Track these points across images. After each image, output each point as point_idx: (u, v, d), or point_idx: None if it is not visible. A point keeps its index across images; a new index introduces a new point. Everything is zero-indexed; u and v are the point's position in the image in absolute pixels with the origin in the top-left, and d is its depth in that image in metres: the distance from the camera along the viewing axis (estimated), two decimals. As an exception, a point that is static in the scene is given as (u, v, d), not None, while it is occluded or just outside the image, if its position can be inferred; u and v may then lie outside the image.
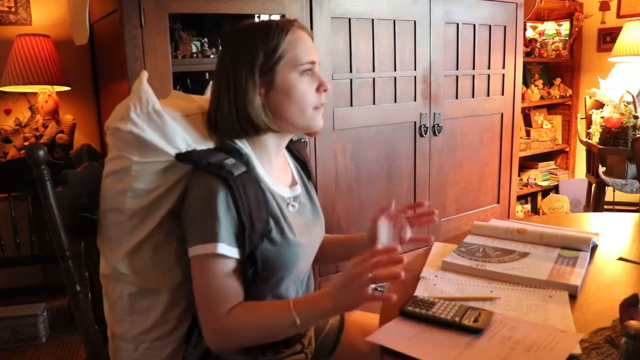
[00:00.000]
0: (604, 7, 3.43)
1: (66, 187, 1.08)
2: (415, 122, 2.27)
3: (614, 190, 3.18)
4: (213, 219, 0.95)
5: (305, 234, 1.10)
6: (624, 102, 3.05)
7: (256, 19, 1.88)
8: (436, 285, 1.11)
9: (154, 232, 1.01)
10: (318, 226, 1.18)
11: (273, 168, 1.10)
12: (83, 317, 1.09)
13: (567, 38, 3.82)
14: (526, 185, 3.77)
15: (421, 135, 2.29)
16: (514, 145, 2.68)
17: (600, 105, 3.20)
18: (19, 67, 2.19)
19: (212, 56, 1.86)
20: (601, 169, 3.17)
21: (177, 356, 1.07)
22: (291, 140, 1.20)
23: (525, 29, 3.56)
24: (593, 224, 1.54)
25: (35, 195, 1.21)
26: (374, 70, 2.12)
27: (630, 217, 1.58)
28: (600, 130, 3.10)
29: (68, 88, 2.35)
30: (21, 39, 2.21)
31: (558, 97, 3.83)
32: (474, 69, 2.45)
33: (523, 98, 3.51)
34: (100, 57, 2.31)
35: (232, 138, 1.04)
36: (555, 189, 3.89)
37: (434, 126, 2.32)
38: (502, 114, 2.61)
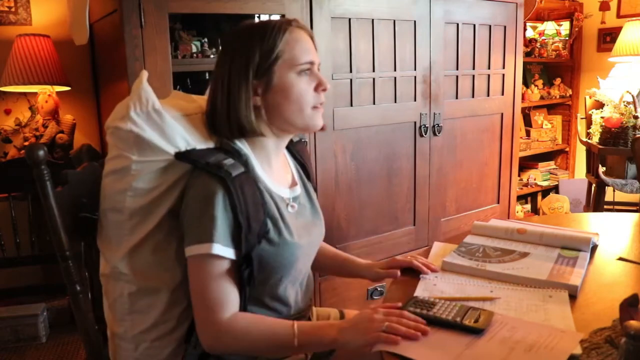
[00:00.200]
0: (604, 7, 3.43)
1: (66, 187, 1.08)
2: (415, 122, 2.27)
3: (614, 190, 3.18)
4: (210, 220, 0.95)
5: (304, 235, 1.10)
6: (624, 102, 3.05)
7: (256, 19, 1.88)
8: (436, 285, 1.11)
9: (154, 232, 1.01)
10: (318, 227, 1.18)
11: (272, 168, 1.10)
12: (83, 317, 1.09)
13: (567, 38, 3.82)
14: (526, 185, 3.77)
15: (421, 135, 2.29)
16: (514, 145, 2.68)
17: (600, 105, 3.20)
18: (19, 67, 2.19)
19: (212, 56, 1.86)
20: (601, 169, 3.17)
21: (177, 356, 1.07)
22: (292, 141, 1.20)
23: (525, 29, 3.56)
24: (593, 224, 1.54)
25: (35, 195, 1.21)
26: (374, 70, 2.12)
27: (630, 217, 1.58)
28: (600, 130, 3.10)
29: (68, 88, 2.35)
30: (21, 39, 2.21)
31: (558, 97, 3.83)
32: (474, 69, 2.45)
33: (523, 98, 3.51)
34: (100, 57, 2.31)
35: (228, 138, 1.04)
36: (555, 189, 3.89)
37: (434, 126, 2.32)
38: (502, 114, 2.61)
